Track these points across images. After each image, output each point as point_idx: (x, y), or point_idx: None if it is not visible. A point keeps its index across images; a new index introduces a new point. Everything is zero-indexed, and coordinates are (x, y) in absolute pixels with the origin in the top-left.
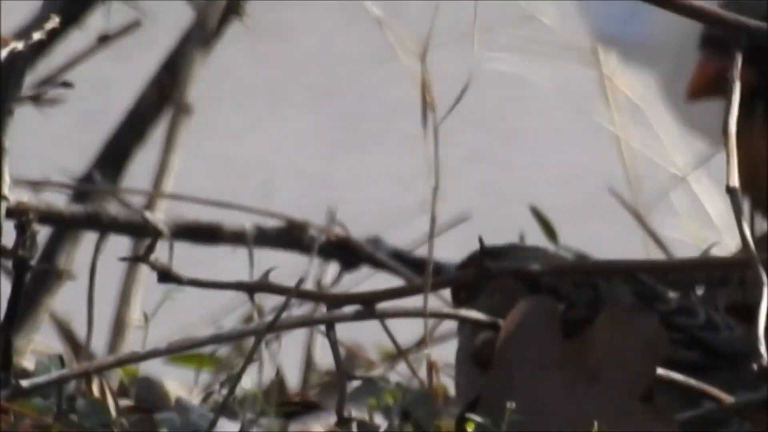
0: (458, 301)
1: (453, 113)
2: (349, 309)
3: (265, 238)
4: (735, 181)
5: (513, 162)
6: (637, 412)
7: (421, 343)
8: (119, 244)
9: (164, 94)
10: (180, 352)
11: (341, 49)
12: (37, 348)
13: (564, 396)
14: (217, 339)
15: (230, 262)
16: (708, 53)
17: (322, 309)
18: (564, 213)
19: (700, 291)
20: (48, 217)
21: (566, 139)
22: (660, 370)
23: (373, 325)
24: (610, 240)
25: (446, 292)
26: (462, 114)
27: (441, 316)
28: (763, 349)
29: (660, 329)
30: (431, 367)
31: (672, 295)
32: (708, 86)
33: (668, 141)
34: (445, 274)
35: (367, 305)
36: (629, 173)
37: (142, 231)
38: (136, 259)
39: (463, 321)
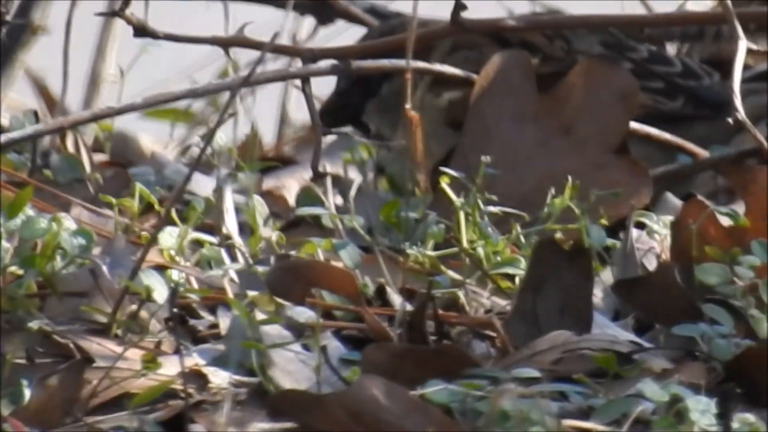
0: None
1: None
2: (324, 63)
3: None
4: None
5: None
6: (611, 165)
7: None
8: None
9: None
10: (155, 106)
11: None
12: (11, 104)
13: (538, 149)
14: (192, 93)
15: (205, 18)
16: None
17: (298, 64)
18: None
19: (672, 46)
20: None
21: None
22: (635, 124)
23: None
24: None
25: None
26: None
27: (422, 71)
28: (738, 102)
29: (633, 81)
30: (411, 121)
31: (644, 46)
32: None
33: None
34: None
35: (343, 59)
36: None
37: None
38: (112, 14)
39: (439, 76)
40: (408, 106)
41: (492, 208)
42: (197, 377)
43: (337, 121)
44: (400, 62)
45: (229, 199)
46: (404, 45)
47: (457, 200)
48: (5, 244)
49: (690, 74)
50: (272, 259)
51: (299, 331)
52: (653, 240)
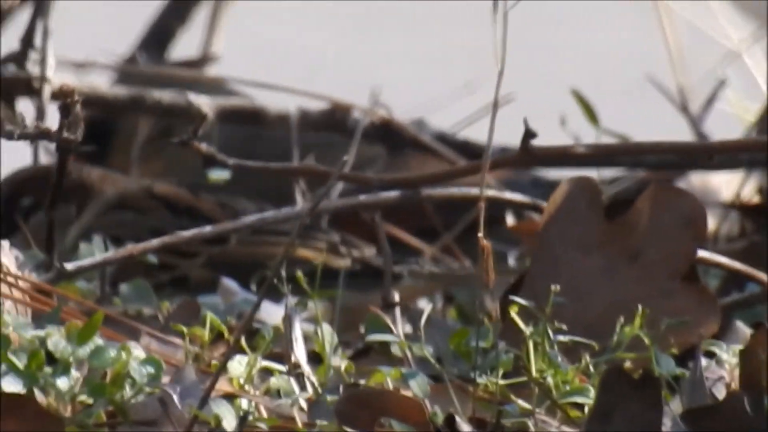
0: None
1: None
2: (394, 192)
3: (308, 120)
4: None
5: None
6: (679, 292)
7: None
8: None
9: None
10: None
11: None
12: None
13: (605, 277)
14: (261, 221)
15: None
16: None
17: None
18: (609, 95)
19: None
20: (91, 99)
21: (611, 19)
22: (703, 252)
23: None
24: (655, 121)
25: None
26: None
27: (494, 199)
28: None
29: (700, 206)
30: (483, 250)
31: None
32: None
33: (721, 15)
34: (501, 155)
35: (412, 187)
36: (675, 52)
37: (186, 114)
38: (182, 143)
39: (509, 203)
40: (480, 234)
41: (561, 337)
42: None
43: None
44: (471, 191)
45: (298, 328)
46: (470, 172)
47: (527, 329)
48: (74, 372)
49: None
50: (341, 388)
51: None
52: (722, 369)
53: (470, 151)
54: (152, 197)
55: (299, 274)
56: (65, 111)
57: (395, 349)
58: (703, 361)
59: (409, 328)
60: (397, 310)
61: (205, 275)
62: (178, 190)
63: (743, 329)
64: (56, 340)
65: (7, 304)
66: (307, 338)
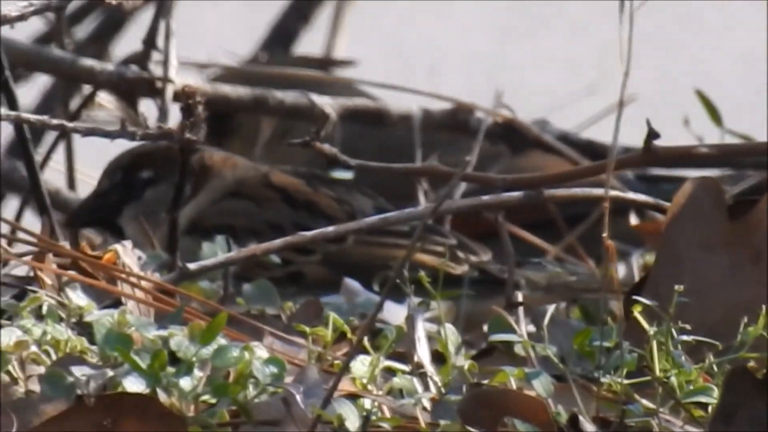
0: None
1: None
2: (517, 192)
3: (431, 121)
4: None
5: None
6: None
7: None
8: None
9: None
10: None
11: None
12: None
13: (729, 277)
14: (384, 222)
15: None
16: None
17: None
18: (732, 95)
19: None
20: (214, 100)
21: (735, 20)
22: None
23: None
24: None
25: None
26: None
27: (619, 199)
28: None
29: None
30: (608, 250)
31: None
32: None
33: None
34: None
35: (535, 187)
36: None
37: (308, 114)
38: (303, 144)
39: (632, 203)
40: (605, 234)
41: (684, 337)
42: None
43: (89, 222)
44: (595, 190)
45: (421, 328)
46: (594, 172)
47: (650, 329)
48: (197, 372)
49: None
50: (464, 388)
51: None
52: None
53: (593, 151)
54: (270, 187)
55: (422, 274)
56: (187, 112)
57: (518, 349)
58: None
59: (532, 328)
60: (521, 310)
61: (321, 272)
62: (296, 181)
63: None
64: (179, 340)
65: (130, 305)
66: (429, 338)
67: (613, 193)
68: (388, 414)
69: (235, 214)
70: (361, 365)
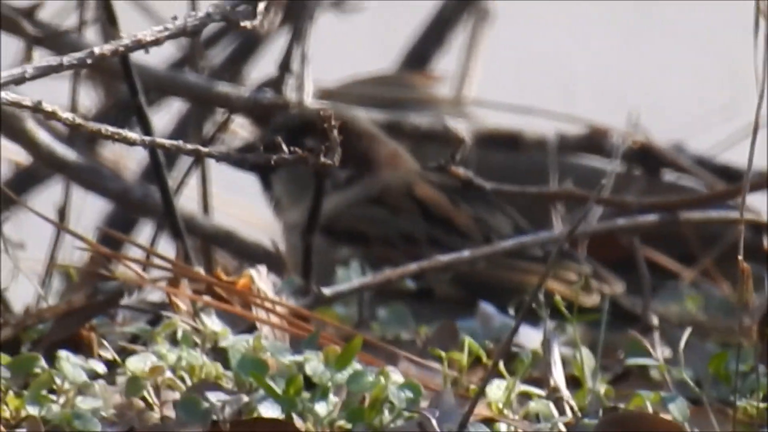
0: None
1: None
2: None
3: (566, 144)
4: None
5: None
6: None
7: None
8: None
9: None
10: None
11: None
12: None
13: None
14: (520, 244)
15: None
16: None
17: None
18: None
19: None
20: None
21: None
22: None
23: None
24: None
25: None
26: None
27: (754, 222)
28: None
29: None
30: (743, 272)
31: None
32: None
33: None
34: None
35: (669, 210)
36: None
37: (443, 139)
38: (437, 169)
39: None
40: (740, 257)
41: None
42: None
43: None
44: (730, 214)
45: (557, 352)
46: (729, 196)
47: None
48: (333, 397)
49: None
50: (600, 412)
51: None
52: None
53: (729, 174)
54: (412, 199)
55: (557, 298)
56: (323, 136)
57: (654, 373)
58: None
59: (668, 352)
60: (656, 334)
61: (450, 291)
62: (438, 195)
63: None
64: (314, 365)
65: (265, 330)
66: (565, 362)
67: (749, 215)
68: None
69: (371, 221)
70: (496, 389)
